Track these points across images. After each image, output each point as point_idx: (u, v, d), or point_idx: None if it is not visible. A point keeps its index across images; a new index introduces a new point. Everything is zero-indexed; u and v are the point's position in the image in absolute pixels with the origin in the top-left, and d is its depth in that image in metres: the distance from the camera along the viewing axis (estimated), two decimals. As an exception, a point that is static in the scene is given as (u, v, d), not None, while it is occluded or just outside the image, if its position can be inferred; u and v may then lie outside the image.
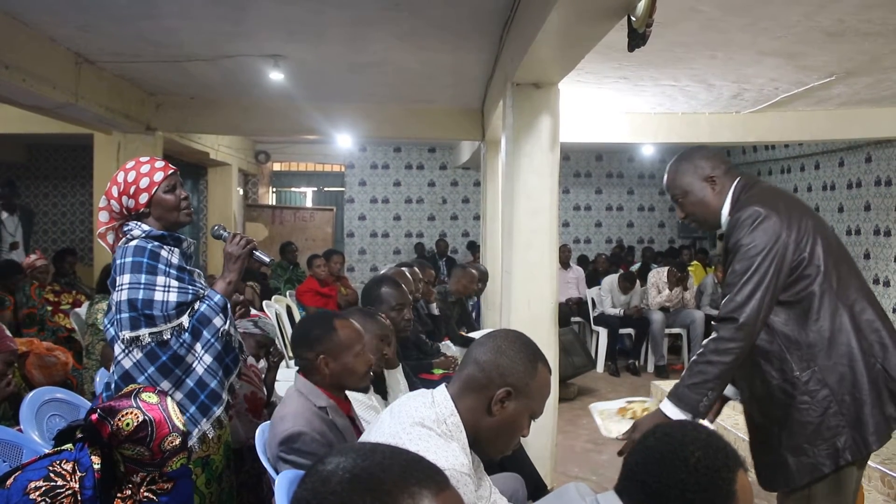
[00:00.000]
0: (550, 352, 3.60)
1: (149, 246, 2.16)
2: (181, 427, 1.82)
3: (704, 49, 4.36)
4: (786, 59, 4.56)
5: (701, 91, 5.63)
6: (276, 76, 5.16)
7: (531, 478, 2.85)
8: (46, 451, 1.89)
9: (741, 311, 1.93)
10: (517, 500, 2.24)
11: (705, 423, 2.08)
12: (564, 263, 7.86)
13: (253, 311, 3.63)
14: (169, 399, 1.87)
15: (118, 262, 2.17)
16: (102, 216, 2.28)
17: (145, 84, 6.04)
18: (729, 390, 2.25)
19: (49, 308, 5.17)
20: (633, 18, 2.54)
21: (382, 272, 3.85)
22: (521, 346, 1.64)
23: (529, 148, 3.77)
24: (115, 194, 2.22)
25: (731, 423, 4.24)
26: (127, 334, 2.11)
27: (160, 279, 2.14)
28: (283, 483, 1.86)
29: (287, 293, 6.74)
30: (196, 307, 2.19)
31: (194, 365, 2.18)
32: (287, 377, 4.00)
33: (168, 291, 2.15)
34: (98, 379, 3.07)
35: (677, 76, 5.14)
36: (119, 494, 1.75)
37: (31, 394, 2.63)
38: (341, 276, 6.87)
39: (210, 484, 2.27)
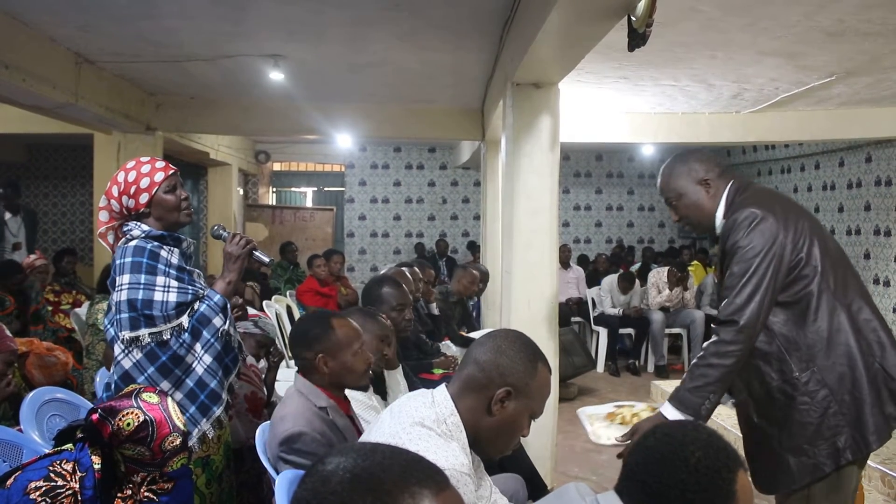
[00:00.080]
0: (550, 352, 3.60)
1: (148, 246, 2.16)
2: (182, 427, 1.82)
3: (704, 49, 4.36)
4: (786, 59, 4.56)
5: (701, 91, 5.63)
6: (276, 76, 5.16)
7: (531, 478, 2.85)
8: (46, 451, 1.89)
9: (741, 313, 1.93)
10: (518, 500, 2.24)
11: None
12: (564, 263, 7.86)
13: (253, 311, 3.63)
14: (169, 399, 1.87)
15: (118, 262, 2.17)
16: (102, 216, 2.28)
17: (145, 84, 6.04)
18: None
19: (49, 308, 5.18)
20: (633, 18, 2.54)
21: (383, 272, 3.85)
22: (521, 346, 1.64)
23: (529, 148, 3.77)
24: (116, 194, 2.22)
25: (732, 423, 4.24)
26: (127, 334, 2.11)
27: (160, 279, 2.14)
28: (283, 483, 1.86)
29: (287, 293, 6.74)
30: (196, 307, 2.19)
31: (194, 365, 2.18)
32: (287, 377, 3.99)
33: (168, 291, 2.15)
34: (98, 379, 3.07)
35: (677, 76, 5.14)
36: (119, 494, 1.75)
37: (31, 394, 2.63)
38: (341, 276, 6.88)
39: (210, 484, 2.27)
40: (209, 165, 9.65)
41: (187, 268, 2.26)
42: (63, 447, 1.78)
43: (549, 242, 3.80)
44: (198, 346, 2.18)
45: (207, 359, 2.19)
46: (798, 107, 6.23)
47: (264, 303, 5.74)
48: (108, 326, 2.20)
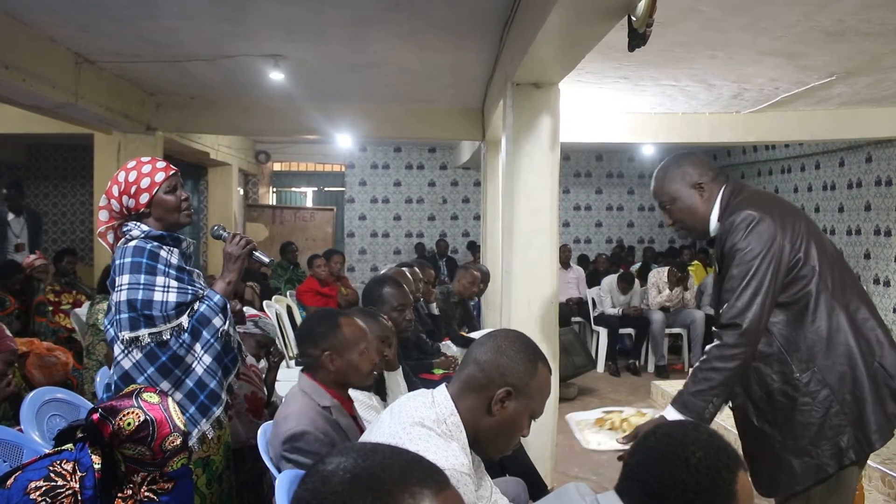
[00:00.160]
0: (550, 352, 3.60)
1: (148, 246, 2.16)
2: (182, 427, 1.82)
3: (704, 49, 4.36)
4: (786, 59, 4.56)
5: (701, 91, 5.63)
6: (276, 76, 5.16)
7: (531, 478, 2.85)
8: (47, 451, 1.89)
9: (743, 316, 1.92)
10: (519, 503, 2.24)
11: None
12: (564, 263, 7.86)
13: (253, 311, 3.63)
14: (170, 399, 1.87)
15: (117, 262, 2.17)
16: (102, 215, 2.28)
17: (145, 84, 6.04)
18: None
19: (49, 308, 5.18)
20: (634, 18, 2.54)
21: (383, 272, 3.85)
22: (522, 346, 1.64)
23: (529, 148, 3.77)
24: (116, 193, 2.22)
25: (732, 423, 4.23)
26: (126, 335, 2.11)
27: (159, 279, 2.14)
28: (283, 483, 1.86)
29: (287, 293, 6.74)
30: (195, 307, 2.19)
31: (194, 365, 2.18)
32: (287, 377, 4.00)
33: (167, 292, 2.15)
34: (98, 379, 3.07)
35: (677, 76, 5.14)
36: (119, 494, 1.75)
37: (31, 394, 2.63)
38: (341, 276, 6.88)
39: (211, 484, 2.27)
40: (209, 165, 9.65)
41: (187, 268, 2.26)
42: (63, 447, 1.78)
43: (549, 242, 3.80)
44: (197, 347, 2.18)
45: (207, 359, 2.19)
46: (798, 107, 6.23)
47: (264, 303, 5.74)
48: (108, 327, 2.20)
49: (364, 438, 1.78)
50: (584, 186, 11.58)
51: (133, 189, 2.19)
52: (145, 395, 1.81)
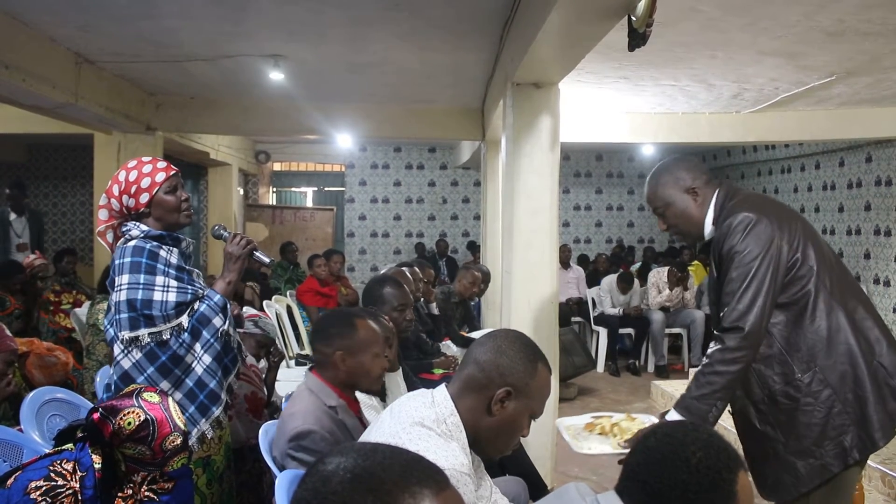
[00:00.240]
0: (550, 352, 3.60)
1: (147, 246, 2.16)
2: (182, 427, 1.82)
3: (704, 49, 4.36)
4: (786, 59, 4.56)
5: (701, 91, 5.63)
6: (276, 76, 5.16)
7: (531, 478, 2.85)
8: (47, 450, 1.89)
9: (745, 318, 1.92)
10: (518, 503, 2.24)
11: None
12: (564, 263, 7.86)
13: (253, 311, 3.63)
14: (170, 399, 1.87)
15: (117, 262, 2.17)
16: (102, 214, 2.28)
17: (145, 84, 6.04)
18: None
19: (50, 308, 5.18)
20: (634, 18, 2.54)
21: (383, 272, 3.85)
22: (521, 346, 1.64)
23: (529, 148, 3.77)
24: (116, 193, 2.22)
25: (731, 423, 4.23)
26: (126, 334, 2.11)
27: (159, 279, 2.14)
28: (283, 483, 1.86)
29: (287, 293, 6.74)
30: (195, 307, 2.19)
31: (193, 365, 2.18)
32: (287, 377, 4.00)
33: (167, 291, 2.15)
34: (98, 379, 3.07)
35: (677, 76, 5.14)
36: (120, 494, 1.76)
37: (31, 394, 2.63)
38: (341, 276, 6.88)
39: (211, 484, 2.27)
40: (209, 165, 9.65)
41: (186, 267, 2.26)
42: (63, 447, 1.78)
43: (549, 242, 3.80)
44: (197, 346, 2.18)
45: (207, 359, 2.19)
46: (798, 107, 6.23)
47: (264, 303, 5.74)
48: (108, 327, 2.20)
49: (364, 438, 1.78)
50: (584, 186, 11.59)
51: (133, 188, 2.19)
52: (146, 395, 1.81)
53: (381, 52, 4.77)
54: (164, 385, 2.12)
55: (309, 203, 11.64)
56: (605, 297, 7.42)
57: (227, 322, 2.23)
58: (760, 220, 1.96)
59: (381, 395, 2.79)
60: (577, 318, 7.74)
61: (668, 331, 7.19)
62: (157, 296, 2.13)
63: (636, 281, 7.51)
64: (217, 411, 2.22)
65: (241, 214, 10.54)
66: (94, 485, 1.71)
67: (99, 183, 7.00)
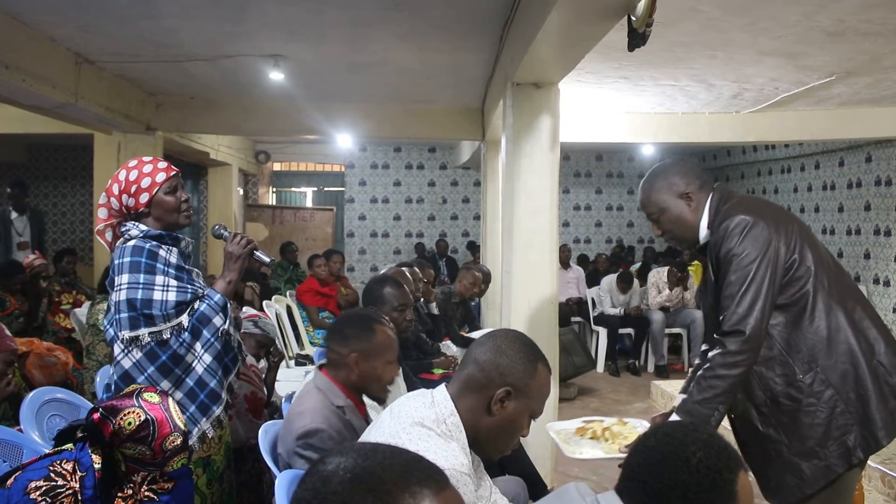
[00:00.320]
0: (550, 352, 3.60)
1: (147, 245, 2.16)
2: (182, 427, 1.82)
3: (704, 49, 4.36)
4: (786, 59, 4.56)
5: (701, 91, 5.63)
6: (276, 76, 5.16)
7: (531, 478, 2.85)
8: (47, 451, 1.89)
9: (745, 322, 1.92)
10: (518, 503, 2.24)
11: None
12: (564, 263, 7.86)
13: (253, 311, 3.63)
14: (170, 399, 1.87)
15: (116, 262, 2.17)
16: (101, 213, 2.28)
17: (145, 84, 6.04)
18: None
19: (49, 308, 5.18)
20: (633, 18, 2.54)
21: (383, 272, 3.85)
22: (521, 346, 1.64)
23: (529, 148, 3.77)
24: (116, 192, 2.21)
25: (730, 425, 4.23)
26: (126, 334, 2.11)
27: (159, 278, 2.14)
28: (283, 483, 1.86)
29: (287, 293, 6.74)
30: (196, 306, 2.19)
31: (194, 364, 2.18)
32: (287, 377, 4.00)
33: (167, 291, 2.15)
34: (98, 379, 3.07)
35: (677, 76, 5.14)
36: (120, 494, 1.76)
37: (31, 394, 2.63)
38: (341, 276, 6.87)
39: (211, 484, 2.27)
40: (209, 165, 9.65)
41: (186, 267, 2.26)
42: (63, 447, 1.78)
43: (549, 242, 3.80)
44: (198, 346, 2.18)
45: (207, 358, 2.19)
46: (798, 107, 6.23)
47: (264, 303, 5.74)
48: (108, 327, 2.20)
49: (364, 438, 1.78)
50: (584, 186, 11.59)
51: (133, 188, 2.19)
52: (146, 395, 1.81)
53: (381, 52, 4.77)
54: (165, 384, 2.12)
55: (309, 203, 11.64)
56: (605, 297, 7.42)
57: (228, 321, 2.23)
58: (757, 222, 1.96)
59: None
60: (577, 318, 7.74)
61: (668, 331, 7.20)
62: (157, 295, 2.13)
63: (636, 281, 7.51)
64: (218, 410, 2.22)
65: (241, 214, 10.54)
66: (93, 485, 1.71)
67: (99, 183, 7.00)
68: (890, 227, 7.42)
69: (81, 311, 4.83)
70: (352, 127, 7.22)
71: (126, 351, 2.12)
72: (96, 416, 1.76)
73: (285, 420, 2.16)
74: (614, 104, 6.29)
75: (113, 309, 2.16)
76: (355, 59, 5.00)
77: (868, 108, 6.24)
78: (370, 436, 1.68)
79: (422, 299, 4.61)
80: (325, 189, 11.57)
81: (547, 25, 2.77)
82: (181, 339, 2.15)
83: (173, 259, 2.21)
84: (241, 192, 10.73)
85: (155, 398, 1.81)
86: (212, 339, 2.19)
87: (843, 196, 8.21)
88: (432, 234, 11.31)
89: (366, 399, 2.50)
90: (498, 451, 1.68)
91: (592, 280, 8.24)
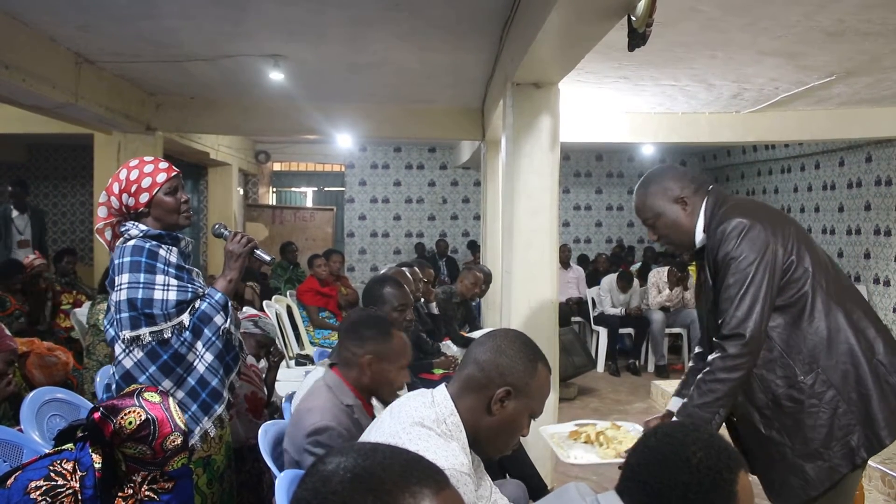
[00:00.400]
0: (550, 352, 3.60)
1: (147, 245, 2.16)
2: (183, 427, 1.82)
3: (704, 49, 4.36)
4: (786, 59, 4.56)
5: (701, 91, 5.63)
6: (276, 76, 5.16)
7: (531, 478, 2.85)
8: (47, 450, 1.89)
9: (745, 325, 1.92)
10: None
11: None
12: (564, 263, 7.86)
13: (253, 311, 3.63)
14: (171, 399, 1.87)
15: (116, 261, 2.17)
16: (101, 211, 2.28)
17: (145, 84, 6.04)
18: (674, 404, 2.19)
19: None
20: (633, 18, 2.54)
21: (383, 272, 3.85)
22: (521, 346, 1.64)
23: (529, 148, 3.77)
24: (116, 191, 2.21)
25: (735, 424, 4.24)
26: (127, 334, 2.11)
27: (159, 278, 2.14)
28: (283, 483, 1.86)
29: (287, 293, 6.75)
30: (197, 305, 2.18)
31: (195, 363, 2.18)
32: (287, 377, 4.00)
33: (167, 290, 2.15)
34: (98, 379, 3.07)
35: (677, 76, 5.14)
36: (120, 493, 1.76)
37: (31, 394, 2.63)
38: (341, 276, 6.88)
39: (212, 484, 2.27)
40: (209, 165, 9.65)
41: (186, 266, 2.26)
42: (63, 447, 1.78)
43: (549, 242, 3.80)
44: (199, 345, 2.18)
45: (209, 357, 2.19)
46: (798, 107, 6.23)
47: (264, 303, 5.74)
48: (108, 327, 2.20)
49: (364, 438, 1.78)
50: (584, 186, 11.59)
51: (133, 188, 2.19)
52: (146, 395, 1.81)
53: (381, 52, 4.77)
54: (167, 384, 2.12)
55: (309, 203, 11.64)
56: (605, 296, 7.42)
57: (229, 320, 2.23)
58: (754, 225, 1.96)
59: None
60: (577, 318, 7.74)
61: (668, 331, 7.20)
62: (158, 294, 2.13)
63: (636, 281, 7.51)
64: (220, 409, 2.22)
65: (241, 214, 10.54)
66: (94, 484, 1.71)
67: (99, 183, 7.01)
68: (890, 227, 7.42)
69: (81, 311, 4.83)
70: (352, 127, 7.22)
71: (127, 351, 2.12)
72: (97, 415, 1.76)
73: (293, 417, 2.16)
74: (614, 104, 6.29)
75: (113, 309, 2.16)
76: (355, 59, 5.00)
77: (868, 108, 6.24)
78: (370, 435, 1.68)
79: (422, 299, 4.62)
80: (326, 189, 11.57)
81: (547, 25, 2.77)
82: (182, 338, 2.15)
83: (173, 258, 2.21)
84: (241, 192, 10.73)
85: (155, 398, 1.82)
86: (213, 338, 2.19)
87: (843, 196, 8.21)
88: (432, 234, 11.31)
89: (373, 400, 2.51)
90: (498, 450, 1.69)
91: (592, 280, 8.24)
